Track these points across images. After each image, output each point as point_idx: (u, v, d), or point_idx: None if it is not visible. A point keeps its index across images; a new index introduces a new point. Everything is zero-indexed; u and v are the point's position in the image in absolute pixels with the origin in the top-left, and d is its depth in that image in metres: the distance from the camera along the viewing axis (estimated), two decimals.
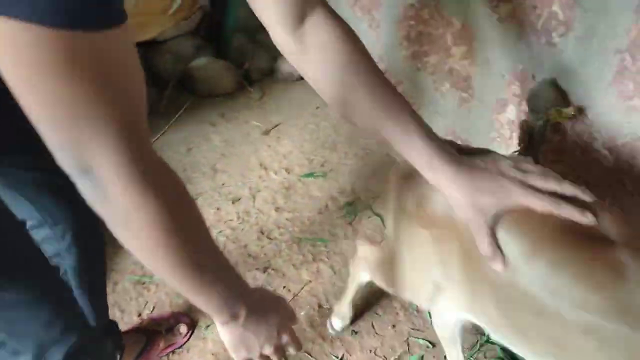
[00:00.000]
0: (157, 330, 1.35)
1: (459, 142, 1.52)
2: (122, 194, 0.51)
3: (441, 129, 1.60)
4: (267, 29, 0.74)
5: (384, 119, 0.71)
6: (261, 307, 0.75)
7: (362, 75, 0.72)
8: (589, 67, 1.02)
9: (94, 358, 1.03)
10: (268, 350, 0.77)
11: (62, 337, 0.92)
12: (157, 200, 0.53)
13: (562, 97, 1.07)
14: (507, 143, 1.35)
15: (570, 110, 1.05)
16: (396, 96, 0.72)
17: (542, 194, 0.66)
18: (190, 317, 1.42)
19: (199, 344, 1.38)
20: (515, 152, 1.21)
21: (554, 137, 1.12)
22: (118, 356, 1.23)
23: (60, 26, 0.41)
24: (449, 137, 1.58)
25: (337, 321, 1.35)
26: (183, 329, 1.36)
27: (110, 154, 0.49)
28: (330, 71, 0.72)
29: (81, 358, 0.96)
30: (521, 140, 1.16)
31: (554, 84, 1.09)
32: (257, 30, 2.28)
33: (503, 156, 0.74)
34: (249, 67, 2.28)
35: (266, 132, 2.06)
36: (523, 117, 1.24)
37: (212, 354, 1.36)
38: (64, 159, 0.50)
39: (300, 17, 0.71)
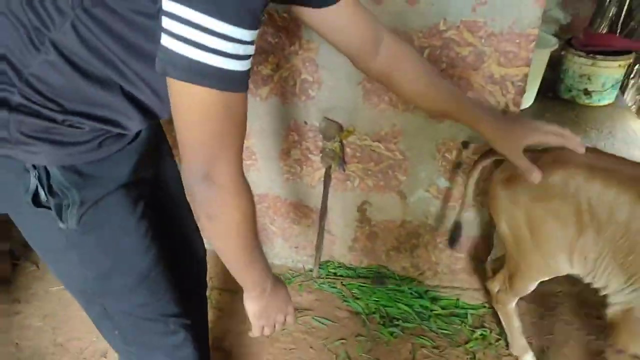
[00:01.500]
0: None
1: (256, 198, 1.91)
2: (228, 193, 0.78)
3: None
4: (351, 60, 1.08)
5: (451, 99, 1.10)
6: (277, 286, 1.02)
7: (433, 74, 1.10)
8: (345, 100, 1.61)
9: None
10: (279, 320, 1.06)
11: None
12: (246, 199, 0.81)
13: (337, 123, 1.63)
14: (299, 175, 1.83)
15: (350, 128, 1.62)
16: (453, 85, 1.14)
17: (553, 134, 1.10)
18: None
19: None
20: (329, 168, 1.70)
21: (346, 147, 1.68)
22: None
23: (231, 90, 0.70)
24: None
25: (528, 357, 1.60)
26: None
27: (229, 167, 0.76)
28: (414, 72, 1.08)
29: None
30: (327, 160, 1.67)
31: (329, 119, 1.64)
32: None
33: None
34: (11, 247, 2.15)
35: None
36: (307, 154, 1.76)
37: None
38: (193, 170, 0.75)
39: (377, 44, 1.05)
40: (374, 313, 1.84)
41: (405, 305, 1.84)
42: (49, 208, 0.84)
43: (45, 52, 0.75)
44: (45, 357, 1.78)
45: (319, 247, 1.95)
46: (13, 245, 2.17)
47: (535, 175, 1.12)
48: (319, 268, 2.01)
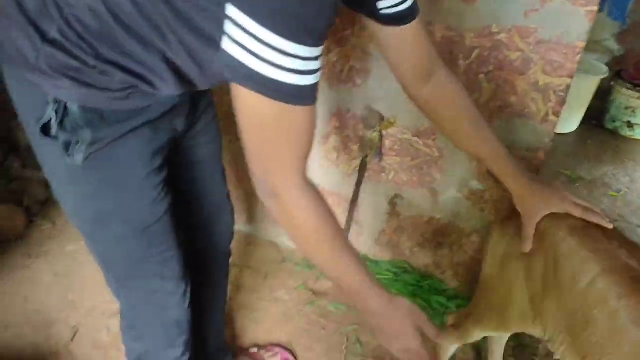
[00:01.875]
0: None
1: None
2: (296, 207, 0.80)
3: None
4: (401, 82, 1.08)
5: (489, 144, 1.10)
6: (395, 313, 0.90)
7: (477, 118, 1.10)
8: (390, 92, 1.67)
9: None
10: (398, 346, 0.93)
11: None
12: (316, 207, 0.82)
13: (379, 113, 1.69)
14: (335, 163, 1.89)
15: (391, 119, 1.68)
16: (495, 134, 1.11)
17: (582, 207, 1.07)
18: (294, 356, 1.70)
19: None
20: (365, 157, 1.76)
21: (385, 139, 1.74)
22: None
23: (284, 102, 0.71)
24: None
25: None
26: None
27: (285, 180, 0.78)
28: (457, 112, 1.09)
29: None
30: (365, 149, 1.73)
31: (371, 109, 1.69)
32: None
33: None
34: (29, 204, 2.22)
35: None
36: (346, 142, 1.82)
37: None
38: (258, 183, 0.79)
39: (429, 75, 1.06)
40: None
41: (422, 300, 1.87)
42: (59, 140, 0.84)
43: None
44: (53, 312, 1.81)
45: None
46: (30, 202, 2.24)
47: (526, 246, 1.11)
48: None
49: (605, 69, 3.13)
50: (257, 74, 0.68)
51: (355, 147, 1.81)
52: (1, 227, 2.09)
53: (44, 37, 0.78)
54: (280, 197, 0.79)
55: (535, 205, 1.10)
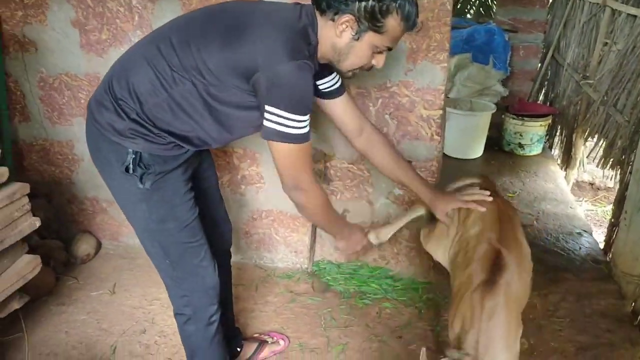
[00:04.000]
0: (265, 340, 2.15)
1: (263, 213, 2.61)
2: (314, 191, 1.46)
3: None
4: (347, 139, 1.73)
5: (405, 172, 1.74)
6: (353, 230, 1.74)
7: (397, 155, 1.74)
8: (327, 136, 2.39)
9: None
10: (358, 244, 1.75)
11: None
12: (322, 193, 1.51)
13: (322, 151, 2.41)
14: None
15: (331, 154, 2.40)
16: (408, 164, 1.78)
17: (461, 201, 1.70)
18: (287, 337, 2.26)
19: (291, 354, 2.19)
20: None
21: (329, 169, 2.45)
22: (238, 349, 1.95)
23: (299, 142, 1.35)
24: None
25: (373, 237, 1.93)
26: (282, 342, 2.19)
27: (307, 179, 1.43)
28: (381, 155, 1.73)
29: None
30: (316, 178, 2.42)
31: (316, 149, 2.41)
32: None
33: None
34: (54, 265, 2.68)
35: (112, 292, 2.59)
36: None
37: None
38: (288, 186, 1.42)
39: (360, 131, 1.70)
40: (352, 292, 2.51)
41: (375, 284, 2.52)
42: (135, 175, 1.38)
43: (160, 98, 1.36)
44: (92, 338, 2.26)
45: (312, 248, 2.65)
46: (55, 264, 2.70)
47: (447, 221, 1.74)
48: (312, 265, 2.69)
49: (493, 106, 4.06)
50: (285, 133, 1.31)
51: None
52: (35, 285, 2.53)
53: (129, 117, 1.38)
54: (305, 190, 1.43)
55: (441, 207, 1.75)
